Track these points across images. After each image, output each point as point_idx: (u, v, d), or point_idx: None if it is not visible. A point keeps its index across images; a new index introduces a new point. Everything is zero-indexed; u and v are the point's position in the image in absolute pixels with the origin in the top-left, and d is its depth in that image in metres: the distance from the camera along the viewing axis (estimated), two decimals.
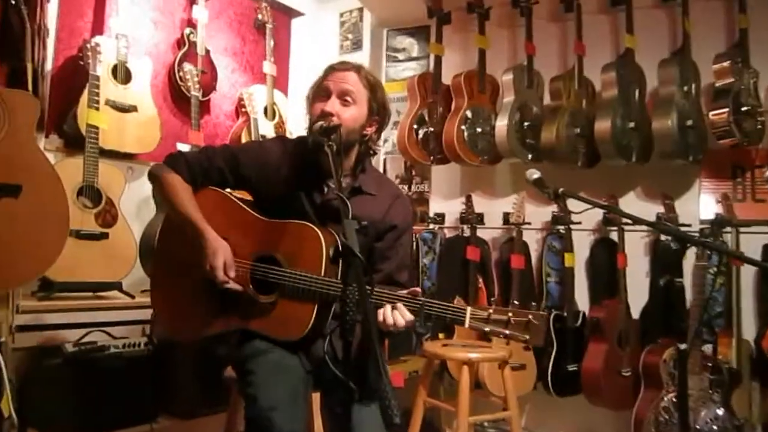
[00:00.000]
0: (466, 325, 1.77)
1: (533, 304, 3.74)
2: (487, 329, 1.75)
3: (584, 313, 3.62)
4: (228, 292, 1.92)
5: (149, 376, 2.86)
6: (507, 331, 1.75)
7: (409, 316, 1.78)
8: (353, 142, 2.02)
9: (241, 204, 2.06)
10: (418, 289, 1.83)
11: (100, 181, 3.02)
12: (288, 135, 4.17)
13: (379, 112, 2.05)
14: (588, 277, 3.79)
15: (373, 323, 1.28)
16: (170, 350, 2.93)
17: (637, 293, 3.51)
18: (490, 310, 1.76)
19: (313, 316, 1.86)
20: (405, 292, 1.82)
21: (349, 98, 1.97)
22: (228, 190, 2.13)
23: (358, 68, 2.02)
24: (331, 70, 2.02)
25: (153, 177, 2.09)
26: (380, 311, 1.80)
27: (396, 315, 1.78)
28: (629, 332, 3.43)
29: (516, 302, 3.60)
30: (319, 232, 1.89)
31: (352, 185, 2.05)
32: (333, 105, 1.94)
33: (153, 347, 2.89)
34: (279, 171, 2.03)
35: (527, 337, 1.74)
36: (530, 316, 1.75)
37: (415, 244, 4.17)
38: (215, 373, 2.30)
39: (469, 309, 1.77)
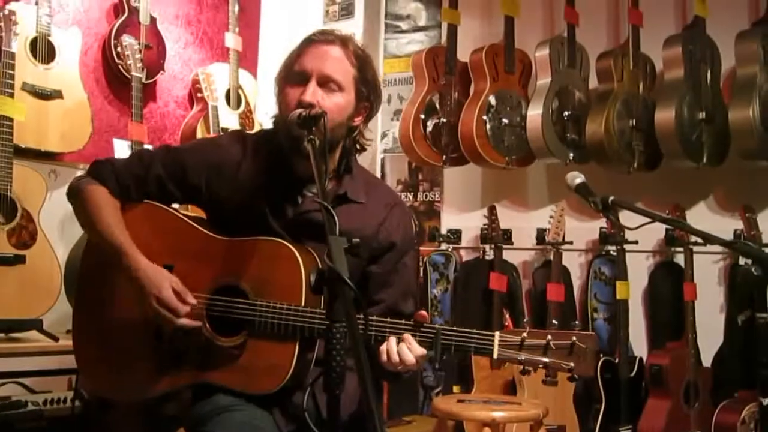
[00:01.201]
0: (495, 355, 1.83)
1: None
2: (521, 358, 1.82)
3: (641, 360, 3.69)
4: (180, 334, 1.96)
5: None
6: (546, 359, 1.81)
7: (420, 350, 1.83)
8: (338, 138, 2.06)
9: (187, 220, 2.11)
10: (425, 313, 1.88)
11: (15, 188, 3.08)
12: (258, 126, 4.23)
13: (369, 96, 2.08)
14: (646, 313, 3.88)
15: (366, 370, 1.32)
16: (104, 408, 2.96)
17: (710, 334, 3.59)
18: (524, 334, 1.83)
19: (294, 359, 1.89)
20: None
21: (333, 84, 2.00)
22: (175, 206, 2.18)
23: (344, 41, 2.05)
24: (310, 43, 2.03)
25: (73, 193, 2.12)
26: (382, 347, 1.85)
27: (403, 349, 1.82)
28: (699, 384, 3.49)
29: None
30: (295, 251, 1.93)
31: (336, 192, 2.08)
32: (313, 93, 1.96)
33: (82, 404, 2.94)
34: (237, 176, 2.07)
35: (572, 364, 1.80)
36: (575, 338, 1.82)
37: (422, 269, 4.24)
38: None
39: (497, 334, 1.84)
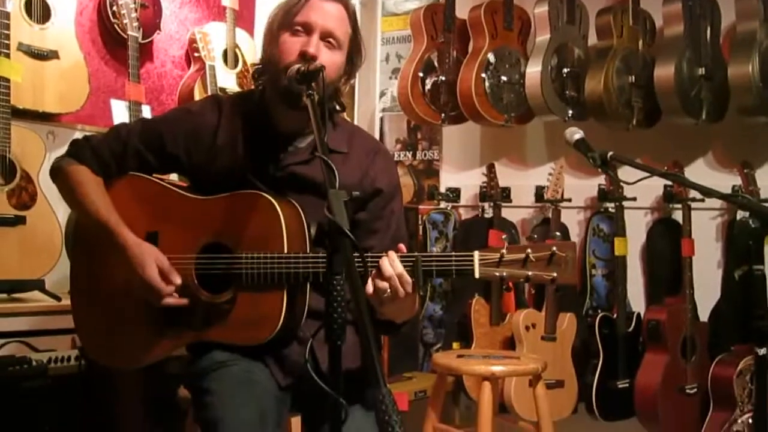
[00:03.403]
0: (477, 274, 1.86)
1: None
2: (503, 274, 1.84)
3: (639, 315, 3.76)
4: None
5: (82, 398, 2.97)
6: (529, 272, 1.83)
7: (400, 268, 1.80)
8: (331, 95, 2.08)
9: (168, 186, 2.15)
10: (403, 246, 1.89)
11: (14, 149, 3.09)
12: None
13: (356, 58, 2.14)
14: (644, 269, 3.93)
15: (367, 316, 1.35)
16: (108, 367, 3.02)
17: (707, 289, 3.65)
18: (503, 250, 1.85)
19: (284, 307, 1.94)
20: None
21: (333, 40, 2.03)
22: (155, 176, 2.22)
23: (344, 1, 2.08)
24: None
25: (55, 174, 2.20)
26: (369, 282, 1.83)
27: (384, 263, 1.79)
28: (696, 339, 3.57)
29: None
30: (273, 201, 1.97)
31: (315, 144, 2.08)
32: (317, 46, 1.99)
33: (87, 362, 2.99)
34: (215, 141, 2.11)
35: (555, 274, 1.83)
36: (554, 248, 1.84)
37: (422, 227, 4.28)
38: (167, 394, 2.40)
39: (476, 253, 1.86)
